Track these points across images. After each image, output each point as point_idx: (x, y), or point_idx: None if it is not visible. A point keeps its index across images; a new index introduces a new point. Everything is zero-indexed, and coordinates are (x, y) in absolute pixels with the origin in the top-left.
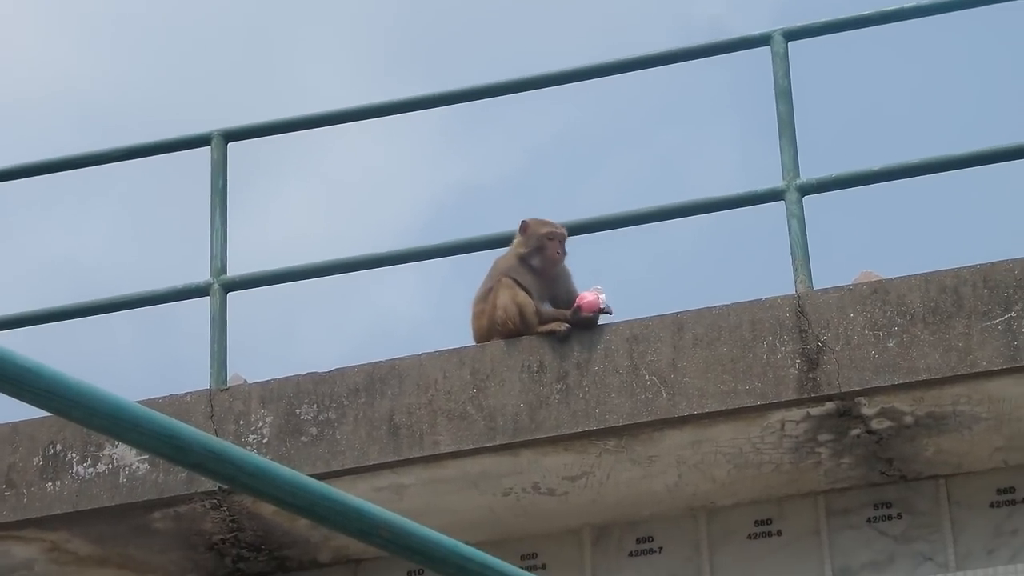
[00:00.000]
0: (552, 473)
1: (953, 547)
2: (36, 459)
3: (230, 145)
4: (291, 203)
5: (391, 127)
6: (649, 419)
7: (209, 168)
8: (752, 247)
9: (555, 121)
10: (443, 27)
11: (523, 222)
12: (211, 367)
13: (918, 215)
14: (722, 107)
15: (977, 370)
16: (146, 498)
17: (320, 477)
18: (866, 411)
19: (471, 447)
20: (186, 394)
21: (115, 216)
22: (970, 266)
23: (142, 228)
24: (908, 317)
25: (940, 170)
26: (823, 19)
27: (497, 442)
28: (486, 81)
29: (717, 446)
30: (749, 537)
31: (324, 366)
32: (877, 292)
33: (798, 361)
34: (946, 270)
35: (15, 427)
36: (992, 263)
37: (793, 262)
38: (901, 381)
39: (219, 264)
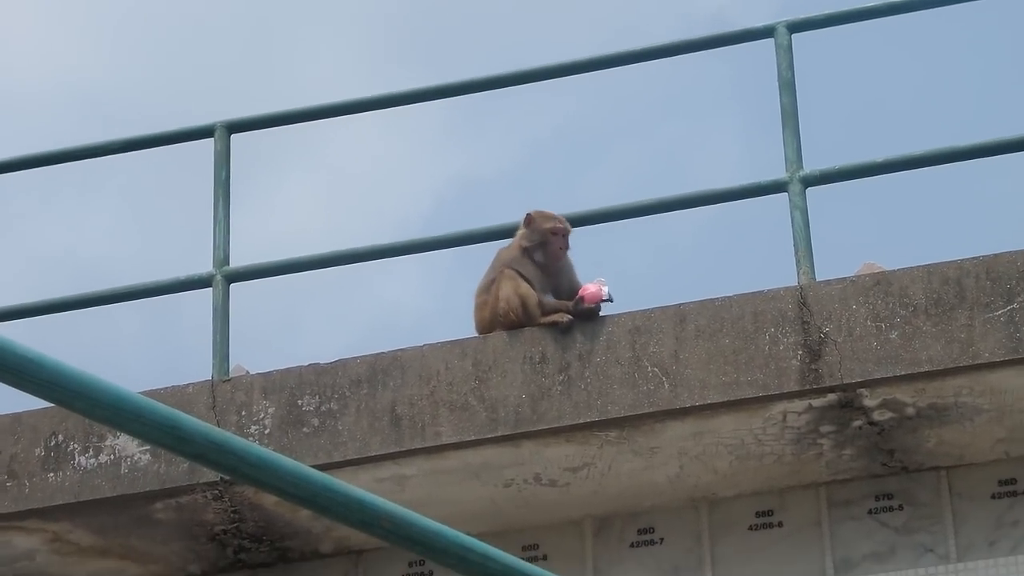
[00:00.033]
0: (554, 464)
1: (954, 538)
2: (38, 450)
3: (233, 137)
4: (293, 195)
5: (393, 119)
6: (651, 410)
7: (212, 159)
8: (755, 239)
9: (557, 113)
10: (445, 19)
11: (528, 215)
12: (213, 358)
13: (921, 207)
14: (725, 99)
15: (979, 362)
16: (148, 489)
17: (322, 468)
18: (868, 402)
19: (473, 438)
20: (188, 385)
21: (117, 208)
22: (973, 258)
23: (144, 220)
24: (910, 309)
25: (943, 162)
26: (827, 11)
27: (499, 433)
28: (488, 73)
29: (719, 437)
30: (750, 528)
31: (327, 357)
32: (879, 284)
33: (800, 352)
34: (948, 262)
35: (17, 417)
36: (995, 255)
37: (796, 253)
38: (903, 372)
39: (222, 255)
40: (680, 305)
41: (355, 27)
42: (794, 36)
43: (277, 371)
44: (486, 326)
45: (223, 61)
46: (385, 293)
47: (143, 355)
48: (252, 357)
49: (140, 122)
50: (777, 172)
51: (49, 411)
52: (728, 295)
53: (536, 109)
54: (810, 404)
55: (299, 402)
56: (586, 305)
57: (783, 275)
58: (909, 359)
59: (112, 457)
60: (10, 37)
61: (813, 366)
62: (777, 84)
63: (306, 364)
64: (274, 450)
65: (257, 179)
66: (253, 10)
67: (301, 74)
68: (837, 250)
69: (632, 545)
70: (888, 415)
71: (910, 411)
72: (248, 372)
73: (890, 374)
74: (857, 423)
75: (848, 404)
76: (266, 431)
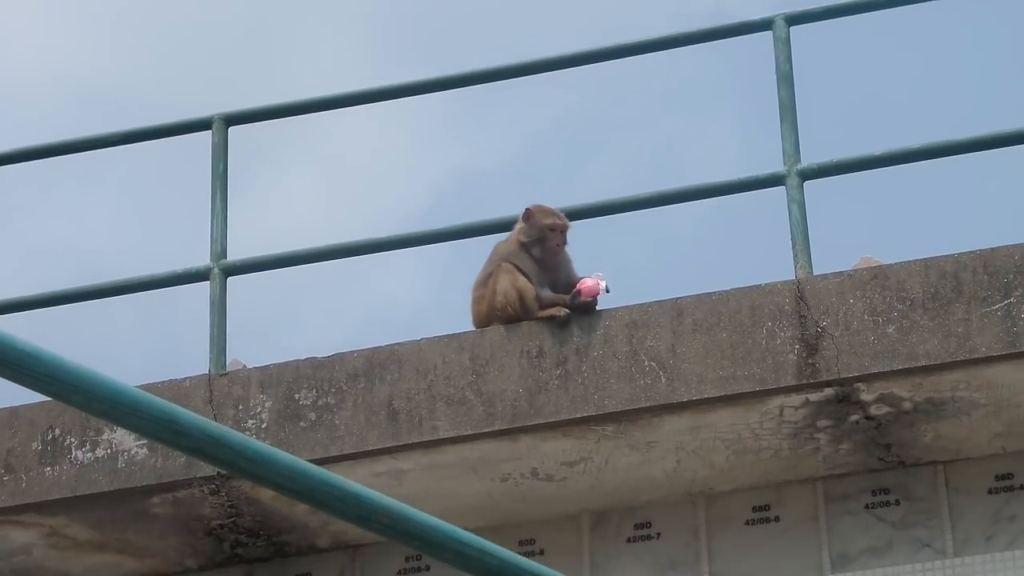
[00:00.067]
0: (551, 459)
1: (951, 533)
2: (35, 444)
3: (231, 129)
4: (292, 188)
5: (392, 112)
6: (648, 405)
7: (210, 152)
8: (752, 232)
9: (555, 106)
10: (443, 12)
11: (527, 209)
12: (210, 352)
13: (918, 201)
14: (723, 92)
15: (976, 356)
16: (145, 483)
17: (319, 462)
18: (865, 397)
19: (470, 432)
20: (185, 379)
21: (116, 200)
22: (970, 252)
23: (143, 212)
24: (908, 303)
25: (941, 155)
26: (825, 4)
27: (496, 427)
28: (486, 66)
29: (716, 432)
30: (747, 523)
31: (324, 351)
32: (877, 278)
33: (797, 347)
34: (946, 256)
35: (14, 411)
36: (992, 249)
37: (793, 247)
38: (900, 367)
39: (219, 248)
40: (677, 299)
41: (355, 21)
42: (792, 29)
43: (274, 365)
44: (483, 320)
45: (223, 55)
46: (382, 287)
47: (140, 349)
48: (249, 351)
49: (140, 114)
50: (775, 165)
51: (46, 405)
52: (725, 289)
53: (535, 102)
54: (807, 398)
55: (296, 396)
56: (583, 299)
57: (780, 269)
58: (906, 353)
59: (109, 451)
60: (10, 30)
61: (810, 360)
62: (775, 77)
63: (303, 358)
64: (271, 444)
65: (256, 172)
66: (253, 4)
67: (301, 68)
68: (834, 244)
69: (629, 540)
70: (885, 409)
71: (907, 405)
72: (245, 366)
73: (887, 368)
74: (854, 417)
75: (845, 398)
76: (263, 425)
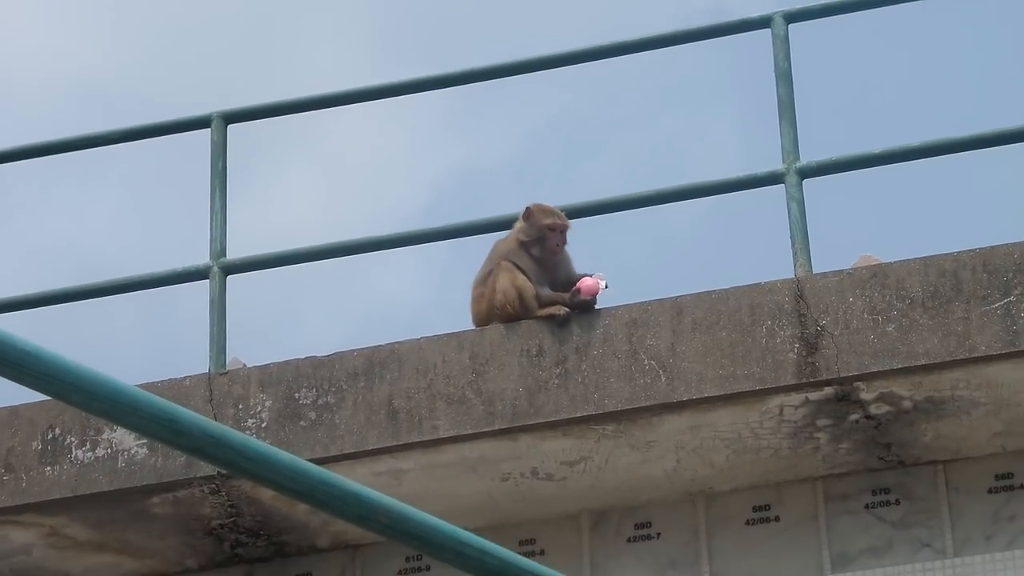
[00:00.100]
0: (550, 458)
1: (951, 533)
2: (35, 443)
3: (230, 127)
4: (291, 186)
5: (391, 109)
6: (648, 404)
7: (209, 150)
8: (751, 231)
9: (555, 104)
10: (442, 9)
11: (528, 208)
12: (210, 351)
13: (918, 199)
14: (722, 90)
15: (976, 355)
16: (145, 483)
17: (319, 462)
18: (865, 396)
19: (470, 432)
20: (185, 378)
21: (116, 198)
22: (969, 250)
23: (142, 210)
24: (907, 301)
25: (940, 153)
26: (824, 1)
27: (496, 427)
28: (486, 64)
29: (716, 431)
30: (747, 523)
31: (324, 350)
32: (876, 276)
33: (797, 346)
34: (945, 254)
35: (14, 411)
36: (991, 247)
37: (792, 246)
38: (900, 366)
39: (219, 247)
40: (677, 298)
41: (354, 19)
42: (791, 26)
43: (274, 364)
44: (483, 318)
45: (223, 52)
46: (382, 285)
47: (140, 347)
48: (249, 349)
49: (139, 112)
50: (774, 163)
51: (46, 404)
52: (725, 288)
53: (535, 100)
54: (807, 398)
55: (296, 395)
56: (582, 297)
57: (780, 267)
58: (906, 352)
59: (109, 451)
60: (10, 28)
61: (810, 359)
62: (774, 75)
63: (303, 357)
64: (271, 443)
65: (256, 169)
66: (253, 2)
67: (300, 66)
68: (834, 242)
69: (629, 539)
70: (885, 409)
71: (907, 405)
72: (245, 365)
73: (887, 367)
74: (854, 417)
75: (845, 398)
76: (263, 424)
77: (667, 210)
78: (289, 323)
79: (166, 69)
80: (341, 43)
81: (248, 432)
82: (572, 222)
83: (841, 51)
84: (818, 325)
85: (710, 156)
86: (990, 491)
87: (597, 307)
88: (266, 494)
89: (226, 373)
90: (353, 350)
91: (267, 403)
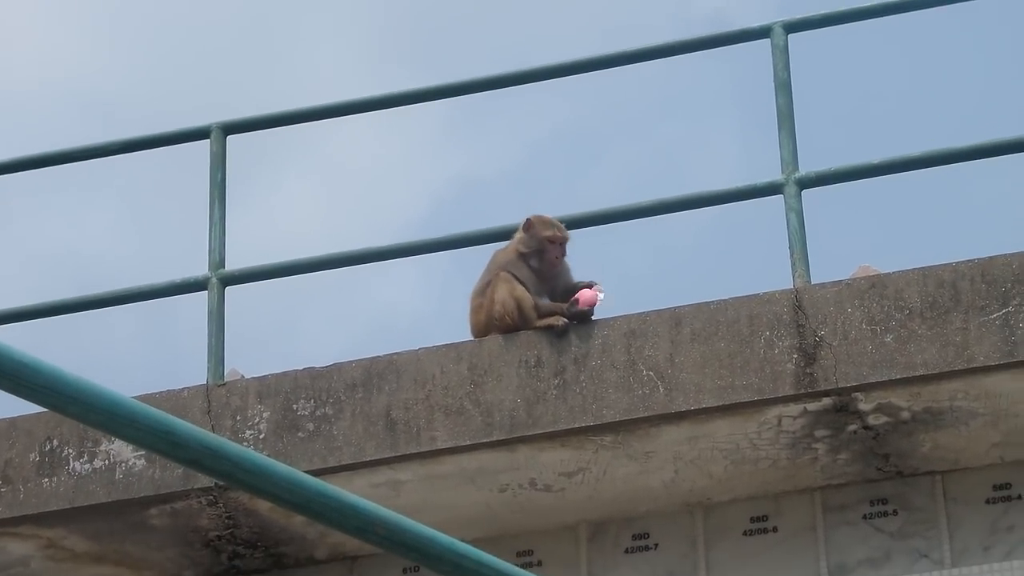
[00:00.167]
0: (549, 469)
1: (949, 544)
2: (32, 455)
3: (229, 138)
4: (291, 196)
5: (391, 120)
6: (646, 415)
7: (208, 161)
8: (750, 241)
9: (555, 114)
10: (442, 19)
11: (528, 220)
12: (208, 362)
13: (916, 209)
14: (722, 100)
15: (974, 365)
16: (142, 494)
17: (317, 473)
18: (863, 406)
19: (468, 443)
20: (183, 389)
21: (115, 209)
22: (968, 260)
23: (145, 220)
24: (906, 312)
25: (939, 164)
26: (823, 11)
27: (494, 438)
28: (486, 74)
29: (714, 442)
30: (745, 534)
31: (324, 361)
32: (875, 287)
33: (795, 356)
34: (944, 264)
35: (12, 422)
36: (990, 258)
37: (791, 256)
38: (898, 376)
39: (217, 258)
40: (675, 308)
41: (354, 24)
42: (790, 36)
43: (272, 375)
44: (482, 329)
45: (223, 59)
46: (382, 295)
47: (138, 358)
48: (248, 361)
49: (139, 119)
50: (773, 174)
51: (44, 416)
52: (723, 298)
53: (535, 109)
54: (805, 408)
55: (294, 407)
56: (580, 308)
57: (778, 278)
58: (904, 363)
59: (107, 462)
60: (9, 37)
61: (808, 370)
62: (774, 85)
63: (301, 368)
64: (269, 455)
65: (256, 179)
66: (252, 8)
67: (300, 71)
68: (832, 253)
69: (627, 551)
70: (883, 419)
71: (905, 415)
72: (243, 376)
73: (885, 378)
74: (852, 427)
75: (843, 408)
76: (261, 436)
77: (667, 220)
78: (288, 334)
79: (165, 75)
80: (341, 48)
81: (246, 444)
82: (572, 232)
83: (840, 62)
84: (816, 336)
85: (709, 166)
86: (988, 501)
87: (595, 318)
88: (264, 506)
89: (224, 384)
90: (351, 361)
91: (265, 414)
